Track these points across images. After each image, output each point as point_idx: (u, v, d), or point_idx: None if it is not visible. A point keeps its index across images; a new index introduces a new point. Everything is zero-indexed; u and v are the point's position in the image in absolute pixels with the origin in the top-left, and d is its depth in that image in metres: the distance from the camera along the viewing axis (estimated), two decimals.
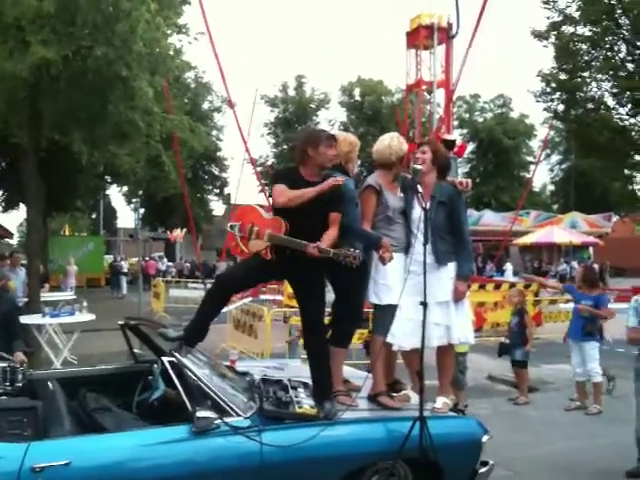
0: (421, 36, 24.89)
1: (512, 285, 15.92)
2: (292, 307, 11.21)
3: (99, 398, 4.44)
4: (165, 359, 4.05)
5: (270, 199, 4.85)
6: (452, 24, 23.11)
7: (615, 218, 37.43)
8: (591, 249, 35.11)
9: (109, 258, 37.12)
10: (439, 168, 4.78)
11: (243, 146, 25.85)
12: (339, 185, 4.39)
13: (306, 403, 4.18)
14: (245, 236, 4.52)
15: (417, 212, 4.59)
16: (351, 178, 4.80)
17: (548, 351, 9.16)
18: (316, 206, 4.35)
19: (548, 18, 20.27)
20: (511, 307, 9.49)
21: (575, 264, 30.82)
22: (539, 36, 20.38)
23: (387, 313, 4.61)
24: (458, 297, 4.69)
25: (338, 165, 4.71)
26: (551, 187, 60.22)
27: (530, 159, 54.24)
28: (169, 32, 11.48)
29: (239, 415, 3.90)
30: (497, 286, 16.27)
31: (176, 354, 4.03)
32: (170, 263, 38.80)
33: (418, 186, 4.46)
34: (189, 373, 3.93)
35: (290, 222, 4.35)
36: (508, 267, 32.01)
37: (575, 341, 8.12)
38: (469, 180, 4.82)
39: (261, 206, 5.95)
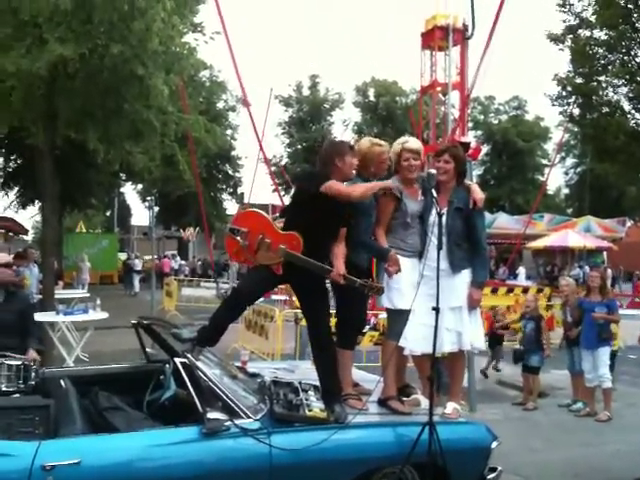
0: (436, 37, 24.81)
1: (525, 289, 15.88)
2: None
3: (110, 397, 4.46)
4: (177, 360, 4.06)
5: (284, 197, 4.83)
6: (467, 25, 23.07)
7: (629, 223, 37.11)
8: (605, 254, 34.87)
9: (123, 255, 37.29)
10: (458, 173, 4.76)
11: (257, 145, 25.87)
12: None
13: (316, 406, 4.18)
14: (252, 246, 4.41)
15: (433, 216, 4.57)
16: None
17: (558, 356, 9.11)
18: (330, 221, 4.37)
19: (564, 21, 20.16)
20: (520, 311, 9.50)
21: (588, 269, 30.67)
22: (555, 39, 20.27)
23: (400, 318, 4.60)
24: (472, 304, 4.67)
25: (361, 172, 4.71)
26: (566, 190, 59.92)
27: (545, 162, 53.94)
28: (184, 30, 11.52)
29: (249, 417, 3.91)
30: (510, 290, 16.21)
31: (188, 355, 4.05)
32: (183, 261, 38.94)
33: (433, 190, 4.45)
34: (200, 374, 3.95)
35: (315, 230, 4.31)
36: (521, 271, 31.90)
37: (589, 348, 8.07)
38: (483, 197, 4.74)
39: (273, 206, 5.97)
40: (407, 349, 4.74)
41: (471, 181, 5.43)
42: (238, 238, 4.44)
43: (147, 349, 5.30)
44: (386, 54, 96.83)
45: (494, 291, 15.86)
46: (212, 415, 3.73)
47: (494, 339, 10.38)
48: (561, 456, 6.51)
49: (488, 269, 5.07)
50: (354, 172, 4.57)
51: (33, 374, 4.59)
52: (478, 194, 4.71)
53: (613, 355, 8.92)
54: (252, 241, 4.41)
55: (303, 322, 10.38)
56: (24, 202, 25.94)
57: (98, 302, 10.49)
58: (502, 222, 35.38)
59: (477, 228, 4.72)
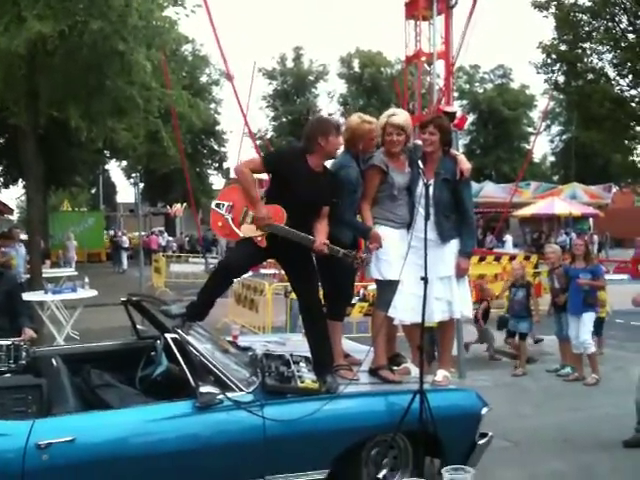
0: (420, 6, 24.53)
1: (512, 257, 15.96)
2: None
3: (102, 374, 4.48)
4: (168, 335, 4.08)
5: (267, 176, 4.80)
6: None
7: (615, 189, 37.32)
8: (591, 220, 35.10)
9: (110, 233, 37.15)
10: (444, 143, 4.75)
11: (242, 119, 25.69)
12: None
13: (308, 377, 4.22)
14: (237, 219, 4.44)
15: (420, 187, 4.57)
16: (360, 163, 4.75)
17: (547, 323, 9.21)
18: (319, 195, 4.39)
19: None
20: (511, 279, 9.54)
21: (574, 235, 30.87)
22: (539, 6, 20.22)
23: (388, 288, 4.64)
24: (460, 273, 4.71)
25: (350, 148, 4.71)
26: (551, 158, 60.00)
27: (530, 130, 53.97)
28: (165, 4, 11.36)
29: (241, 390, 3.94)
30: (497, 258, 16.28)
31: (179, 330, 4.06)
32: (170, 238, 38.85)
33: (419, 162, 4.46)
34: (192, 349, 3.97)
35: (290, 205, 4.34)
36: (508, 239, 32.08)
37: (575, 314, 8.16)
38: (469, 167, 4.73)
39: (260, 180, 5.95)
40: (397, 319, 4.78)
41: (457, 151, 5.42)
42: (223, 211, 4.47)
43: (137, 326, 5.31)
44: (370, 24, 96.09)
45: (481, 259, 15.93)
46: (205, 389, 3.76)
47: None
48: (551, 421, 6.60)
49: (476, 239, 5.09)
50: (338, 151, 4.57)
51: (24, 353, 4.58)
52: (465, 164, 4.71)
53: (601, 321, 9.05)
54: (237, 214, 4.46)
55: (293, 295, 10.41)
56: (8, 181, 25.72)
57: (86, 280, 10.47)
58: (489, 191, 35.46)
59: (464, 198, 4.74)
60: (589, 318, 8.06)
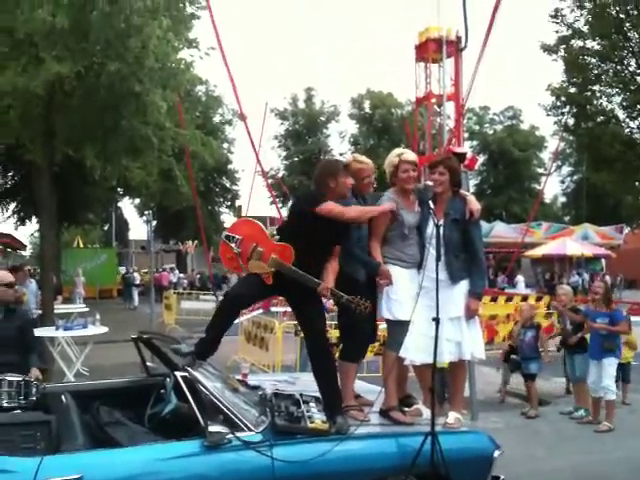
0: (430, 49, 24.99)
1: (524, 298, 15.89)
2: None
3: (112, 412, 4.46)
4: (178, 373, 4.07)
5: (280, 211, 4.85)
6: (461, 37, 23.21)
7: (627, 230, 37.22)
8: (603, 261, 34.93)
9: (122, 269, 37.28)
10: (453, 184, 4.79)
11: (254, 158, 25.91)
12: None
13: (318, 418, 4.19)
14: (245, 253, 4.45)
15: (430, 228, 4.60)
16: (359, 200, 4.77)
17: (557, 364, 9.12)
18: (326, 237, 4.40)
19: (557, 32, 20.34)
20: (520, 321, 9.47)
21: (587, 276, 30.68)
22: (548, 50, 20.45)
23: (399, 328, 4.63)
24: (470, 314, 4.68)
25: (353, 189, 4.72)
26: (562, 199, 60.11)
27: (541, 171, 54.16)
28: (180, 47, 11.60)
29: (251, 430, 3.91)
30: (509, 299, 16.22)
31: (189, 369, 4.06)
32: (181, 275, 38.94)
33: (430, 202, 4.49)
34: (201, 388, 3.95)
35: (310, 247, 4.35)
36: (520, 279, 31.92)
37: (593, 358, 8.06)
38: (479, 208, 4.75)
39: (271, 219, 5.99)
40: (407, 359, 4.75)
41: (468, 191, 5.46)
42: (232, 245, 4.48)
43: (147, 363, 5.31)
44: (381, 66, 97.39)
45: (493, 300, 15.88)
46: (214, 428, 3.73)
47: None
48: (564, 464, 6.50)
49: (485, 279, 5.07)
50: (349, 190, 4.55)
51: (34, 390, 4.58)
52: (474, 205, 4.73)
53: (626, 366, 8.92)
54: (245, 249, 4.45)
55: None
56: (22, 218, 25.98)
57: (97, 317, 10.50)
58: (499, 231, 35.49)
59: (474, 239, 4.73)
60: (609, 363, 7.92)
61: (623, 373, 9.02)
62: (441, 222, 4.52)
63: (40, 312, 11.73)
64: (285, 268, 4.32)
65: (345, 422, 4.23)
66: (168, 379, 4.67)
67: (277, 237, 4.58)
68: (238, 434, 3.83)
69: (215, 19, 16.09)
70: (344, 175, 4.49)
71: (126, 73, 9.80)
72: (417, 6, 52.38)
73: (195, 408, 3.86)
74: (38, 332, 9.45)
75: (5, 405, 4.47)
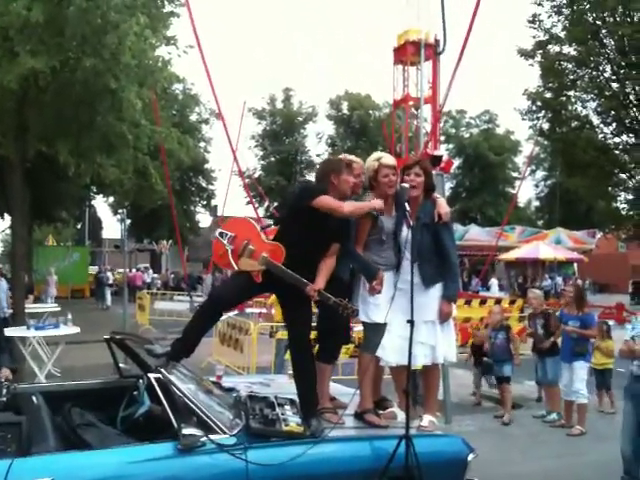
0: (408, 52, 25.11)
1: (498, 301, 16.00)
2: (281, 322, 11.22)
3: (84, 413, 4.39)
4: (151, 375, 4.02)
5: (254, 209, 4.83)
6: (439, 40, 23.32)
7: (599, 235, 37.68)
8: (575, 265, 35.33)
9: (94, 269, 36.89)
10: (426, 186, 4.78)
11: (231, 158, 25.83)
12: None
13: (292, 421, 4.16)
14: (237, 251, 4.45)
15: (405, 231, 4.59)
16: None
17: (531, 367, 9.18)
18: (322, 235, 4.39)
19: (534, 37, 20.53)
20: (491, 324, 9.50)
21: (559, 280, 31.00)
22: (525, 55, 20.63)
23: (375, 331, 4.62)
24: (443, 318, 4.68)
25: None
26: (536, 203, 60.68)
27: (515, 175, 54.67)
28: (157, 44, 11.50)
29: (225, 432, 3.87)
30: (482, 302, 16.33)
31: (162, 370, 4.00)
32: (155, 275, 38.65)
33: (406, 204, 4.48)
34: (175, 390, 3.90)
35: (288, 247, 4.34)
36: (493, 282, 32.16)
37: (565, 361, 8.13)
38: (448, 211, 4.74)
39: (253, 219, 5.95)
40: (383, 360, 4.74)
41: (443, 194, 5.46)
42: (224, 241, 4.46)
43: (120, 364, 5.24)
44: (359, 68, 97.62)
45: (467, 303, 15.97)
46: (187, 431, 3.69)
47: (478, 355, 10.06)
48: (537, 467, 6.55)
49: (458, 282, 5.07)
50: (350, 188, 4.56)
51: (4, 390, 4.50)
52: (443, 208, 4.70)
53: (606, 373, 8.95)
54: (237, 246, 4.44)
55: (279, 336, 10.39)
56: None
57: (69, 316, 10.37)
58: (474, 234, 35.72)
59: (444, 242, 4.70)
60: (580, 367, 7.99)
61: (601, 380, 9.05)
62: (412, 225, 4.49)
63: (11, 311, 11.54)
64: (275, 267, 4.31)
65: (320, 425, 4.21)
66: (141, 381, 4.62)
67: (272, 230, 4.56)
68: (212, 437, 3.79)
69: (194, 17, 16.02)
70: (346, 173, 4.50)
71: (102, 69, 9.69)
72: (396, 9, 52.52)
73: (168, 410, 3.81)
74: (9, 332, 9.31)
75: None
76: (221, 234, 4.51)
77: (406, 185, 4.58)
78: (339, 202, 4.39)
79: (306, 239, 4.36)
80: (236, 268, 4.45)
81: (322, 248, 4.46)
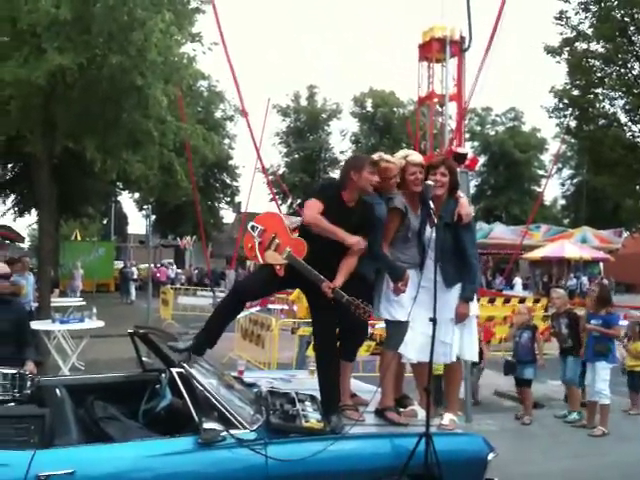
0: (433, 49, 24.94)
1: (522, 300, 15.88)
2: (303, 319, 11.25)
3: (106, 406, 4.45)
4: (173, 370, 4.05)
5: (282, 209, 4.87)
6: (465, 37, 23.16)
7: (626, 234, 37.20)
8: (601, 265, 34.91)
9: (120, 264, 37.26)
10: (451, 186, 4.76)
11: (255, 155, 25.92)
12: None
13: (313, 417, 4.17)
14: (264, 243, 4.51)
15: (429, 229, 4.58)
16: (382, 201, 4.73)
17: (555, 367, 9.09)
18: (347, 229, 4.38)
19: (561, 34, 20.32)
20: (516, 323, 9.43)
21: (585, 279, 30.66)
22: (552, 52, 20.43)
23: (398, 329, 4.62)
24: (459, 318, 4.67)
25: (376, 188, 4.68)
26: (562, 201, 60.02)
27: (541, 173, 54.14)
28: (183, 41, 11.57)
29: (245, 428, 3.90)
30: (506, 300, 16.20)
31: (184, 365, 4.04)
32: (179, 270, 38.92)
33: (431, 203, 4.45)
34: (196, 384, 3.93)
35: (311, 242, 4.37)
36: (517, 281, 31.92)
37: (588, 361, 8.05)
38: (469, 212, 4.73)
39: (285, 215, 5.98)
40: (404, 357, 4.74)
41: (468, 192, 5.42)
42: (254, 234, 4.54)
43: (143, 358, 5.29)
44: (384, 65, 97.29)
45: (491, 301, 15.86)
46: (208, 425, 3.72)
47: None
48: (558, 467, 6.49)
49: (476, 284, 5.02)
50: (371, 187, 4.52)
51: (29, 383, 4.57)
52: (465, 209, 4.68)
53: (635, 374, 8.85)
54: (265, 239, 4.51)
55: (300, 332, 10.42)
56: (21, 210, 25.94)
57: (94, 310, 10.47)
58: (499, 232, 35.48)
59: (464, 242, 4.68)
60: (602, 367, 7.87)
61: (631, 382, 8.93)
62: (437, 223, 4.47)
63: (37, 305, 11.70)
64: (296, 262, 4.35)
65: (340, 421, 4.22)
66: (163, 375, 4.66)
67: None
68: (232, 432, 3.81)
69: (219, 14, 16.12)
70: (369, 170, 4.48)
71: (128, 66, 9.77)
72: (422, 5, 52.33)
73: (190, 404, 3.84)
74: (34, 325, 9.45)
75: None
76: (252, 227, 4.58)
77: (431, 183, 4.55)
78: (312, 213, 4.41)
79: (323, 236, 4.37)
80: (261, 261, 4.50)
81: (341, 246, 4.44)
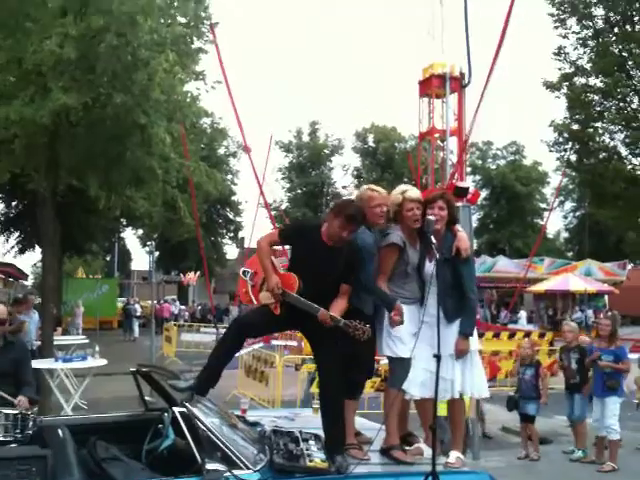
0: (433, 85, 25.13)
1: (527, 334, 15.78)
2: (309, 354, 11.18)
3: (109, 447, 4.40)
4: (176, 409, 4.02)
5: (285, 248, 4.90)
6: (464, 73, 23.37)
7: (630, 266, 37.09)
8: (606, 297, 34.73)
9: (123, 300, 37.20)
10: (449, 219, 4.76)
11: (258, 190, 26.01)
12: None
13: (317, 456, 4.11)
14: (257, 285, 4.51)
15: (428, 264, 4.58)
16: (373, 231, 4.73)
17: (561, 401, 8.99)
18: (330, 267, 4.37)
19: (560, 69, 20.54)
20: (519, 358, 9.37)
21: (590, 312, 30.49)
22: (551, 87, 20.62)
23: (400, 365, 4.58)
24: (458, 354, 4.61)
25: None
26: (565, 234, 60.08)
27: (543, 206, 54.25)
28: (186, 79, 11.71)
29: (249, 468, 3.84)
30: (511, 335, 16.11)
31: (187, 405, 4.00)
32: (183, 306, 38.83)
33: (432, 237, 4.45)
34: (199, 424, 3.90)
35: (301, 279, 4.37)
36: (522, 315, 31.75)
37: (597, 396, 7.97)
38: (467, 247, 4.70)
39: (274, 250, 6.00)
40: (407, 394, 4.69)
41: (470, 226, 5.42)
42: (247, 279, 4.59)
43: (146, 397, 5.25)
44: (385, 101, 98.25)
45: (496, 336, 15.77)
46: (211, 466, 3.67)
47: None
48: None
49: (474, 319, 4.97)
50: (338, 241, 4.42)
51: (30, 423, 4.53)
52: (463, 243, 4.66)
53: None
54: (257, 281, 4.55)
55: (304, 368, 10.34)
56: (24, 247, 26.00)
57: (97, 349, 10.45)
58: (502, 266, 35.39)
59: (463, 277, 4.64)
60: (612, 402, 7.81)
61: None
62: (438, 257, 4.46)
63: (39, 343, 11.66)
64: (288, 296, 4.33)
65: (345, 461, 4.16)
66: (166, 414, 4.62)
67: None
68: (236, 472, 3.76)
69: (222, 53, 16.28)
70: (339, 223, 4.36)
71: (132, 105, 9.86)
72: (421, 42, 53.04)
73: (192, 445, 3.80)
74: (37, 364, 9.41)
75: (1, 439, 4.41)
76: (244, 272, 4.65)
77: (432, 218, 4.54)
78: (263, 241, 4.55)
79: (304, 273, 4.38)
80: (255, 303, 4.52)
81: (330, 283, 4.41)
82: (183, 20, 11.08)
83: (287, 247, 4.93)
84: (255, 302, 4.51)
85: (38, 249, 24.57)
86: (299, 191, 52.15)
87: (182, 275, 42.03)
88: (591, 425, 8.20)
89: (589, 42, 19.94)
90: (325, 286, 4.39)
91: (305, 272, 4.38)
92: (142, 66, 9.55)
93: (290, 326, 4.99)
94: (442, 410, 5.66)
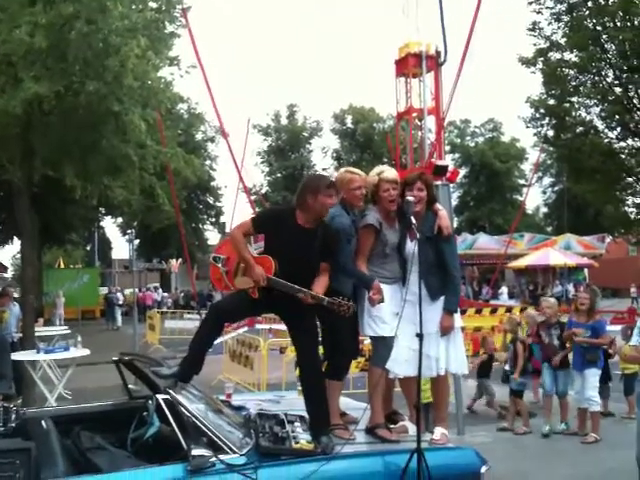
0: (410, 64, 25.08)
1: (509, 309, 15.93)
2: None
3: (93, 436, 4.38)
4: (159, 396, 4.01)
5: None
6: (440, 52, 23.32)
7: (609, 239, 37.51)
8: (586, 271, 35.15)
9: (105, 290, 37.00)
10: (429, 200, 4.76)
11: (237, 175, 25.93)
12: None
13: (303, 438, 4.13)
14: (231, 271, 4.47)
15: (409, 244, 4.58)
16: (350, 214, 4.72)
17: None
18: (308, 251, 4.34)
19: (535, 45, 20.53)
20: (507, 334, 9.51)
21: (570, 286, 30.85)
22: (526, 63, 20.61)
23: (383, 344, 4.60)
24: (443, 331, 4.63)
25: (342, 201, 4.67)
26: (544, 209, 60.55)
27: (522, 182, 54.62)
28: (160, 65, 11.56)
29: (235, 452, 3.85)
30: (493, 310, 16.26)
31: (170, 391, 3.99)
32: (165, 294, 38.72)
33: (412, 218, 4.45)
34: (183, 410, 3.89)
35: (278, 262, 4.33)
36: (503, 290, 32.07)
37: (577, 370, 8.06)
38: (448, 225, 4.73)
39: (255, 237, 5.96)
40: (392, 372, 4.71)
41: (450, 204, 5.43)
42: (219, 265, 4.52)
43: (130, 385, 5.23)
44: (363, 82, 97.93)
45: (478, 312, 15.91)
46: (197, 452, 3.67)
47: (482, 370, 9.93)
48: (552, 477, 6.47)
49: (458, 296, 5.00)
50: (327, 211, 4.45)
51: (13, 416, 4.49)
52: (444, 221, 4.67)
53: (629, 378, 8.78)
54: (231, 267, 4.50)
55: (289, 351, 10.36)
56: (3, 240, 25.72)
57: (79, 339, 10.38)
58: (483, 242, 35.71)
59: (445, 255, 4.66)
60: (592, 374, 7.89)
61: (627, 386, 8.91)
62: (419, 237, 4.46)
63: (20, 335, 11.57)
64: (271, 280, 4.29)
65: (330, 441, 4.18)
66: (150, 402, 4.60)
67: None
68: (222, 457, 3.76)
69: (196, 37, 16.17)
70: (325, 193, 4.36)
71: (105, 92, 9.74)
72: (396, 22, 52.96)
73: (177, 431, 3.79)
74: (19, 356, 9.33)
75: None
76: (214, 258, 4.58)
77: (411, 199, 4.53)
78: (236, 231, 4.50)
79: (282, 259, 4.34)
80: (232, 288, 4.48)
81: (308, 264, 4.38)
82: (154, 5, 10.94)
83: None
84: (232, 288, 4.47)
85: (17, 241, 24.33)
86: (279, 175, 52.05)
87: (164, 262, 41.87)
88: (572, 397, 8.29)
89: (563, 17, 19.92)
90: (303, 270, 4.37)
91: (283, 257, 4.33)
92: (114, 53, 9.42)
93: (268, 309, 4.95)
94: (426, 398, 5.74)
